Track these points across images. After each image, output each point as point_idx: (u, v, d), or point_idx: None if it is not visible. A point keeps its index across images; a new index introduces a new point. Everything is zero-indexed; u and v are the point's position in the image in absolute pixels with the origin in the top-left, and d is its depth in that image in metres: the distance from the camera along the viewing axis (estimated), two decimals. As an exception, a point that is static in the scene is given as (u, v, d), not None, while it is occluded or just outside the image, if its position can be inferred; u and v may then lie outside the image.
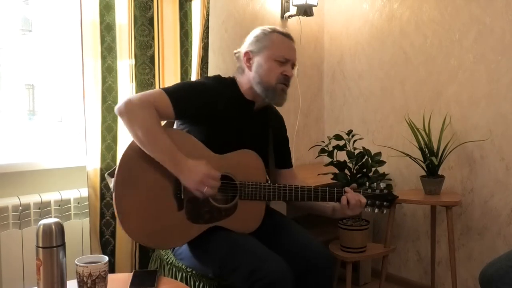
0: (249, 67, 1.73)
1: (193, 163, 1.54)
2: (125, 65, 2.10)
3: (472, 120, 2.45)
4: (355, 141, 2.37)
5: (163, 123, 1.76)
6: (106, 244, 2.07)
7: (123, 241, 2.10)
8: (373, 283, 2.81)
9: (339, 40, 3.07)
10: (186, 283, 1.69)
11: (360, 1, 2.92)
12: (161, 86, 2.18)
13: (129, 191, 1.55)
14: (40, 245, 1.27)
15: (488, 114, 2.39)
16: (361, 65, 2.95)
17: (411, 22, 2.67)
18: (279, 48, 1.71)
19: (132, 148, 1.57)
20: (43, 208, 1.98)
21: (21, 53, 2.25)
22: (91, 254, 2.02)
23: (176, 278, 1.74)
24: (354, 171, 2.33)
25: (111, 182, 1.59)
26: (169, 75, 2.22)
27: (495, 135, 2.37)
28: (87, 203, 2.05)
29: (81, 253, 2.04)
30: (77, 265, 1.30)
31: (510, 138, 2.32)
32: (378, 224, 2.86)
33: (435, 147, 2.35)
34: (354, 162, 2.32)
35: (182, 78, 2.23)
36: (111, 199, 2.05)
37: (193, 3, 2.25)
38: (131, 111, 1.55)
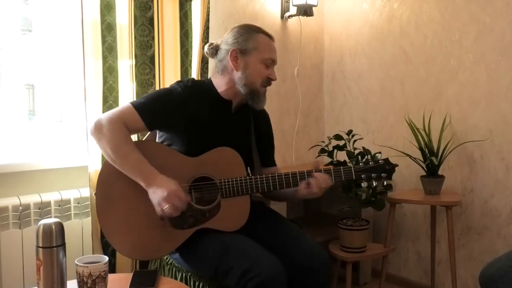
0: (236, 67, 1.70)
1: (163, 179, 1.54)
2: (125, 65, 2.10)
3: (472, 120, 2.45)
4: (355, 141, 2.37)
5: (147, 135, 1.78)
6: (107, 244, 2.06)
7: (123, 241, 2.10)
8: (373, 283, 2.81)
9: (339, 40, 3.07)
10: (186, 283, 1.69)
11: (360, 1, 2.92)
12: (161, 86, 2.18)
13: (109, 209, 1.58)
14: (40, 245, 1.27)
15: (488, 114, 2.39)
16: (361, 65, 2.95)
17: (411, 22, 2.67)
18: (267, 50, 1.71)
19: (107, 166, 1.60)
20: (43, 208, 1.98)
21: (21, 53, 2.25)
22: (92, 254, 2.02)
23: (176, 278, 1.74)
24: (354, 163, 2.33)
25: None
26: (169, 75, 2.22)
27: (495, 135, 2.37)
28: (87, 203, 2.05)
29: (81, 253, 2.05)
30: (77, 265, 1.30)
31: (510, 138, 2.32)
32: (378, 224, 2.86)
33: (435, 147, 2.35)
34: (354, 162, 2.32)
35: (182, 78, 2.23)
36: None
37: (193, 3, 2.25)
38: (99, 131, 1.58)
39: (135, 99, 2.07)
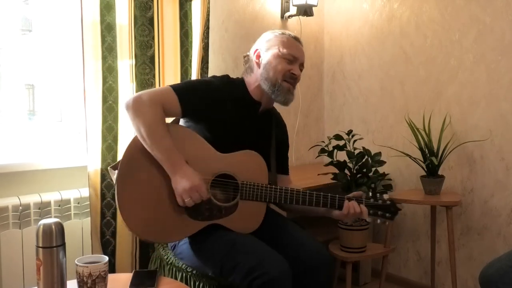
0: (258, 64, 1.76)
1: (188, 170, 1.56)
2: (125, 65, 2.10)
3: (472, 120, 2.45)
4: (355, 141, 2.37)
5: (170, 119, 1.78)
6: (107, 244, 2.07)
7: (124, 241, 2.10)
8: (373, 283, 2.81)
9: (339, 40, 3.07)
10: (186, 283, 1.69)
11: (360, 1, 2.92)
12: (161, 86, 2.18)
13: (130, 184, 1.56)
14: (40, 245, 1.27)
15: (488, 114, 2.39)
16: (361, 65, 2.95)
17: (411, 22, 2.67)
18: (288, 46, 1.74)
19: (135, 142, 1.59)
20: (43, 208, 1.98)
21: (21, 53, 2.25)
22: (92, 254, 2.02)
23: (176, 278, 1.74)
24: (354, 171, 2.34)
25: (114, 175, 1.60)
26: (169, 75, 2.22)
27: (495, 135, 2.37)
28: (87, 203, 2.05)
29: (81, 253, 2.04)
30: (77, 265, 1.30)
31: (510, 138, 2.32)
32: (378, 224, 2.86)
33: (435, 147, 2.35)
34: (354, 162, 2.32)
35: (182, 78, 2.23)
36: (112, 198, 2.05)
37: (193, 3, 2.25)
38: (137, 108, 1.57)
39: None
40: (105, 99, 2.04)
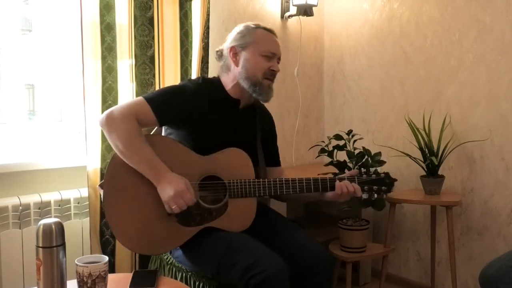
0: (236, 63, 1.73)
1: (172, 177, 1.55)
2: (125, 65, 2.10)
3: (472, 120, 2.45)
4: (355, 141, 2.37)
5: (153, 130, 1.78)
6: (106, 244, 2.07)
7: (123, 241, 2.10)
8: (373, 283, 2.81)
9: (339, 40, 3.07)
10: (186, 283, 1.69)
11: (360, 1, 2.92)
12: (161, 86, 2.18)
13: (117, 201, 1.58)
14: (40, 245, 1.27)
15: (488, 114, 2.39)
16: (361, 65, 2.95)
17: (411, 22, 2.67)
18: (265, 43, 1.72)
19: (115, 159, 1.60)
20: (43, 208, 1.98)
21: (21, 53, 2.25)
22: (91, 254, 2.02)
23: (176, 278, 1.74)
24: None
25: (102, 193, 1.61)
26: (169, 75, 2.22)
27: (495, 135, 2.36)
28: (87, 203, 2.05)
29: (81, 253, 2.04)
30: (77, 265, 1.30)
31: (510, 138, 2.32)
32: (378, 224, 2.86)
33: (435, 147, 2.35)
34: (354, 162, 2.32)
35: (182, 78, 2.23)
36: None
37: (193, 3, 2.25)
38: (111, 124, 1.58)
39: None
40: (104, 99, 2.04)
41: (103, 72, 2.03)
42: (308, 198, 1.83)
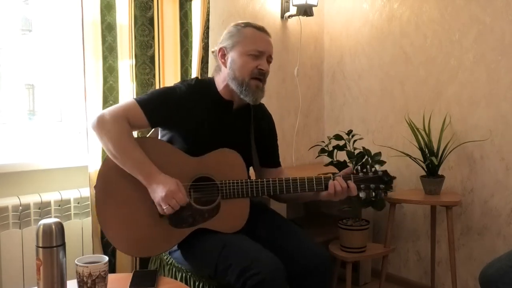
0: (224, 63, 1.72)
1: (163, 178, 1.55)
2: (125, 65, 2.10)
3: (472, 120, 2.45)
4: (355, 141, 2.37)
5: (150, 132, 1.78)
6: (108, 244, 2.06)
7: (123, 241, 2.10)
8: (373, 283, 2.81)
9: (339, 40, 3.07)
10: (186, 283, 1.69)
11: (360, 1, 2.92)
12: (161, 86, 2.18)
13: (108, 204, 1.58)
14: (40, 245, 1.27)
15: (488, 114, 2.39)
16: (361, 65, 2.95)
17: (411, 22, 2.67)
18: (252, 41, 1.68)
19: (107, 162, 1.60)
20: (43, 208, 1.98)
21: (21, 53, 2.25)
22: (92, 254, 2.02)
23: (176, 278, 1.74)
24: (354, 171, 2.33)
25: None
26: (169, 75, 2.22)
27: (495, 135, 2.37)
28: (87, 203, 2.05)
29: (81, 253, 2.04)
30: (77, 265, 1.30)
31: (510, 138, 2.32)
32: (378, 224, 2.86)
33: (435, 147, 2.35)
34: (354, 162, 2.32)
35: (182, 78, 2.23)
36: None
37: (193, 3, 2.25)
38: (102, 126, 1.58)
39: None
40: (105, 99, 2.04)
41: (104, 72, 2.03)
42: (305, 198, 1.80)
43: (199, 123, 1.68)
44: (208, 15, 2.30)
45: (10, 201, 1.90)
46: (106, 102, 2.04)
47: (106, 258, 1.32)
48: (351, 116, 3.03)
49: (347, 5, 3.00)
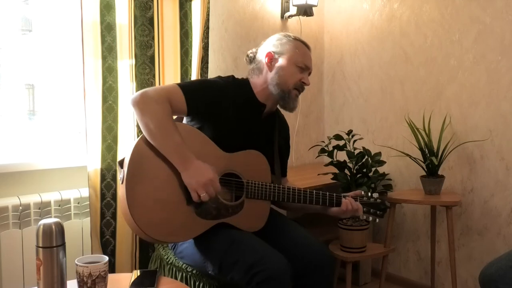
0: (270, 68, 1.75)
1: (201, 164, 1.55)
2: (125, 65, 2.10)
3: (472, 120, 2.45)
4: (355, 141, 2.37)
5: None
6: (107, 244, 2.07)
7: (124, 241, 2.10)
8: (373, 283, 2.81)
9: (339, 40, 3.07)
10: (186, 283, 1.69)
11: (360, 1, 2.92)
12: (161, 86, 2.18)
13: (139, 182, 1.53)
14: (40, 245, 1.27)
15: (488, 114, 2.39)
16: (361, 65, 2.95)
17: (411, 22, 2.67)
18: (302, 55, 1.76)
19: (143, 140, 1.57)
20: (43, 208, 1.98)
21: (21, 53, 2.25)
22: (91, 253, 2.02)
23: (176, 278, 1.74)
24: (354, 171, 2.33)
25: (121, 173, 1.57)
26: (169, 75, 2.22)
27: (495, 135, 2.37)
28: (87, 203, 2.05)
29: (81, 253, 2.04)
30: (77, 265, 1.30)
31: (510, 138, 2.32)
32: (378, 224, 2.86)
33: (435, 147, 2.35)
34: (354, 162, 2.32)
35: (182, 78, 2.23)
36: (112, 198, 2.05)
37: (193, 3, 2.25)
38: (145, 103, 1.56)
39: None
40: (105, 99, 2.04)
41: (103, 72, 2.03)
42: (311, 209, 1.87)
43: (231, 119, 1.69)
44: (208, 15, 2.30)
45: (10, 201, 1.90)
46: (105, 102, 2.04)
47: (106, 258, 1.32)
48: (351, 116, 3.03)
49: (347, 5, 3.00)
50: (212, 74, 2.39)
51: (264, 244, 1.56)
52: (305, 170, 2.87)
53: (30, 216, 1.94)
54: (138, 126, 1.99)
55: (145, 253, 2.16)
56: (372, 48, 2.88)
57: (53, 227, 1.28)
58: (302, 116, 3.03)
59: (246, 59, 1.86)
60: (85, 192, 2.06)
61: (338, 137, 2.34)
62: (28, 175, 2.03)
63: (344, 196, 1.78)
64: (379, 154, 2.35)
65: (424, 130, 2.41)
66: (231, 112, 1.69)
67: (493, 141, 2.37)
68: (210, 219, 1.60)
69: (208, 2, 2.29)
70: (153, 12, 2.12)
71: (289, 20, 2.92)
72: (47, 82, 2.36)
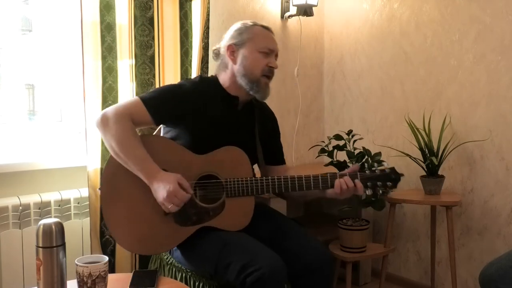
0: (233, 60, 1.73)
1: (164, 176, 1.54)
2: (125, 65, 2.10)
3: (472, 120, 2.45)
4: (355, 141, 2.37)
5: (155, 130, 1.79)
6: (106, 244, 2.07)
7: (123, 241, 2.10)
8: (373, 283, 2.81)
9: (339, 40, 3.07)
10: (186, 283, 1.69)
11: (360, 1, 2.92)
12: (161, 86, 2.18)
13: (114, 201, 1.58)
14: (40, 245, 1.27)
15: (488, 114, 2.39)
16: (361, 65, 2.95)
17: (411, 22, 2.67)
18: (263, 39, 1.73)
19: (112, 161, 1.60)
20: (43, 208, 1.98)
21: (21, 53, 2.25)
22: (91, 254, 2.02)
23: (176, 278, 1.74)
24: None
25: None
26: (169, 75, 2.22)
27: (495, 135, 2.36)
28: (87, 203, 2.05)
29: (81, 253, 2.05)
30: (77, 265, 1.30)
31: (510, 138, 2.32)
32: (378, 224, 2.86)
33: (435, 147, 2.35)
34: (354, 162, 2.32)
35: (182, 78, 2.23)
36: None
37: (193, 3, 2.25)
38: (105, 124, 1.58)
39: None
40: (105, 99, 2.04)
41: (103, 72, 2.03)
42: (310, 195, 1.80)
43: (204, 119, 1.68)
44: (208, 15, 2.30)
45: (10, 201, 1.91)
46: (105, 102, 2.04)
47: (106, 258, 1.32)
48: (351, 116, 3.03)
49: (347, 5, 3.00)
50: (212, 74, 2.38)
51: (256, 243, 1.55)
52: (305, 170, 2.87)
53: (30, 216, 1.94)
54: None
55: (145, 253, 2.16)
56: (372, 48, 2.88)
57: (53, 227, 1.28)
58: (302, 116, 3.03)
59: (212, 56, 1.84)
60: (85, 192, 2.06)
61: (338, 137, 2.34)
62: (28, 175, 2.03)
63: (341, 175, 1.67)
64: (379, 154, 2.35)
65: (424, 130, 2.41)
66: (204, 111, 1.68)
67: (493, 141, 2.37)
68: (191, 225, 1.61)
69: (208, 2, 2.29)
70: (153, 12, 2.12)
71: (289, 20, 2.92)
72: (47, 82, 2.36)
